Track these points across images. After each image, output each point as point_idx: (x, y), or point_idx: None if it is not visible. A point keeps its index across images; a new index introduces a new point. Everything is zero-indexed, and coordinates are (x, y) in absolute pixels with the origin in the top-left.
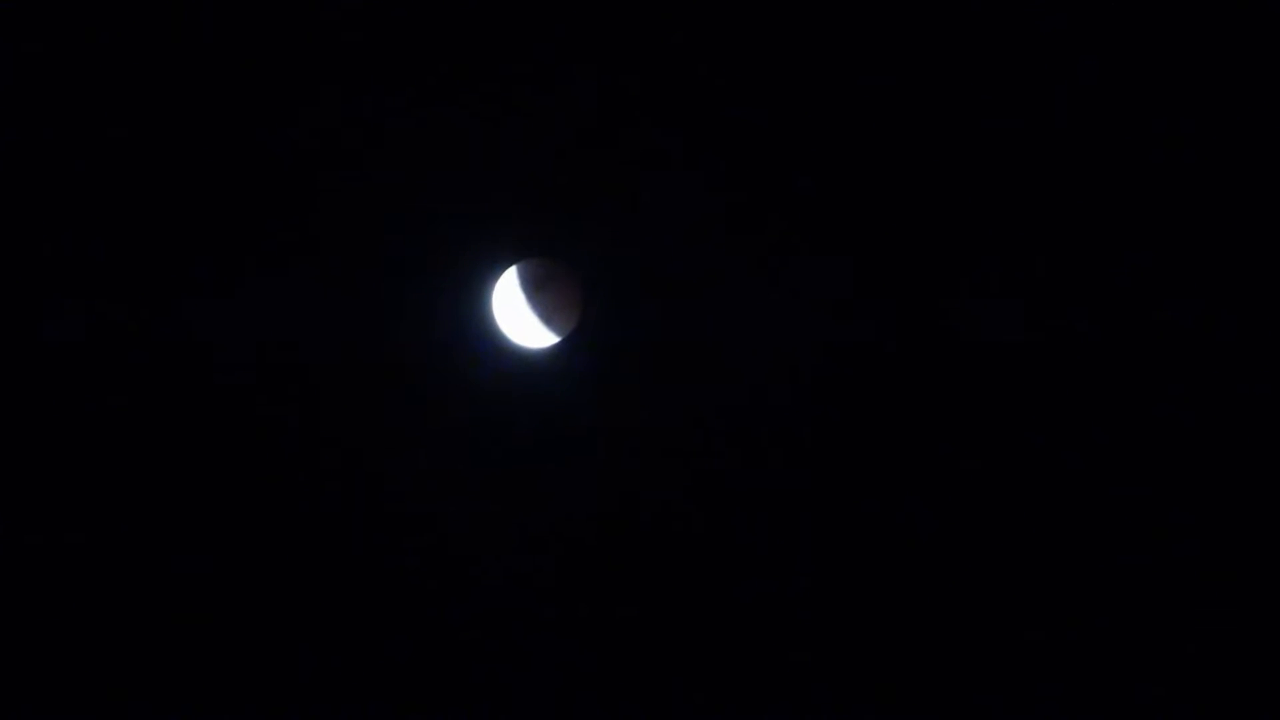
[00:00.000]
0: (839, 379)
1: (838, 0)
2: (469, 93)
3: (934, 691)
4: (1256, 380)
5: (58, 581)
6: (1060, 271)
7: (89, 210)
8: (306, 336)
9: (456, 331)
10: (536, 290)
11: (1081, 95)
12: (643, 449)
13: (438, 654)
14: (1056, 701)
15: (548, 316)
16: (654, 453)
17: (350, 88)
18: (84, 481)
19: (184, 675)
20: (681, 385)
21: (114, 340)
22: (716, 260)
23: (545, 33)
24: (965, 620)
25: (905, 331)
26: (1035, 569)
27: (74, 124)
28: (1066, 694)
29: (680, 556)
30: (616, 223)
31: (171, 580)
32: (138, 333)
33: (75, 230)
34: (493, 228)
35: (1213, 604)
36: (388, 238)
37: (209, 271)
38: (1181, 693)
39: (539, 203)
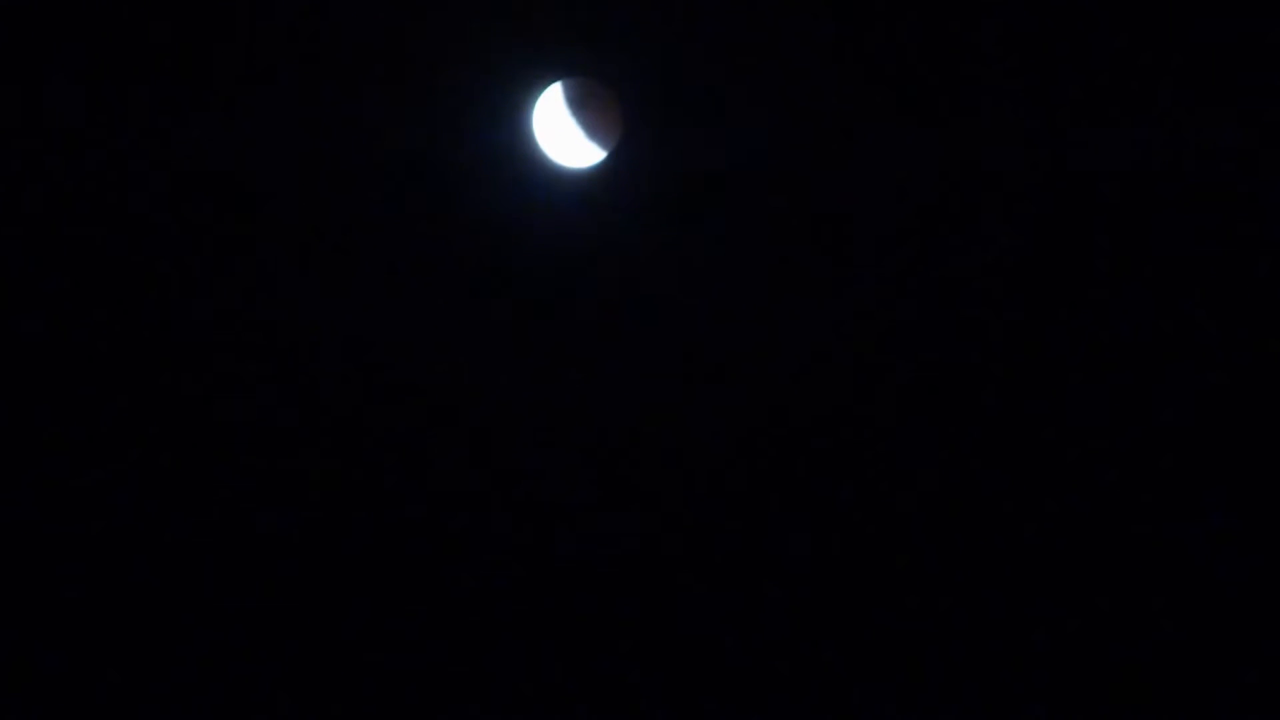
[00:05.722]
0: (892, 200)
1: None
2: None
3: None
4: None
5: None
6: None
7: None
8: (332, 158)
9: (495, 151)
10: (578, 108)
11: None
12: (685, 271)
13: (462, 502)
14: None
15: (589, 135)
16: (696, 275)
17: None
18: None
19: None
20: (726, 207)
21: (118, 158)
22: (765, 80)
23: None
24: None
25: (957, 161)
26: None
27: None
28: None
29: (727, 390)
30: (661, 38)
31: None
32: (149, 146)
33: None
34: (532, 44)
35: None
36: (421, 55)
37: (224, 88)
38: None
39: (580, 17)
